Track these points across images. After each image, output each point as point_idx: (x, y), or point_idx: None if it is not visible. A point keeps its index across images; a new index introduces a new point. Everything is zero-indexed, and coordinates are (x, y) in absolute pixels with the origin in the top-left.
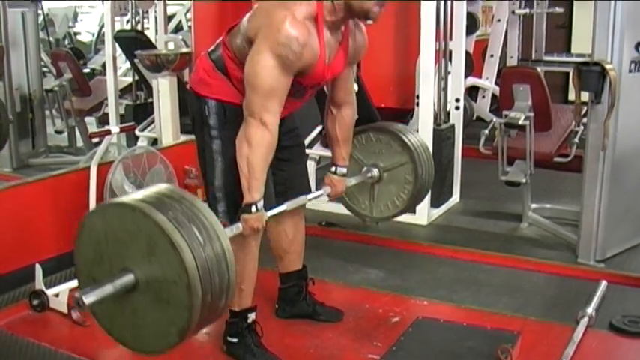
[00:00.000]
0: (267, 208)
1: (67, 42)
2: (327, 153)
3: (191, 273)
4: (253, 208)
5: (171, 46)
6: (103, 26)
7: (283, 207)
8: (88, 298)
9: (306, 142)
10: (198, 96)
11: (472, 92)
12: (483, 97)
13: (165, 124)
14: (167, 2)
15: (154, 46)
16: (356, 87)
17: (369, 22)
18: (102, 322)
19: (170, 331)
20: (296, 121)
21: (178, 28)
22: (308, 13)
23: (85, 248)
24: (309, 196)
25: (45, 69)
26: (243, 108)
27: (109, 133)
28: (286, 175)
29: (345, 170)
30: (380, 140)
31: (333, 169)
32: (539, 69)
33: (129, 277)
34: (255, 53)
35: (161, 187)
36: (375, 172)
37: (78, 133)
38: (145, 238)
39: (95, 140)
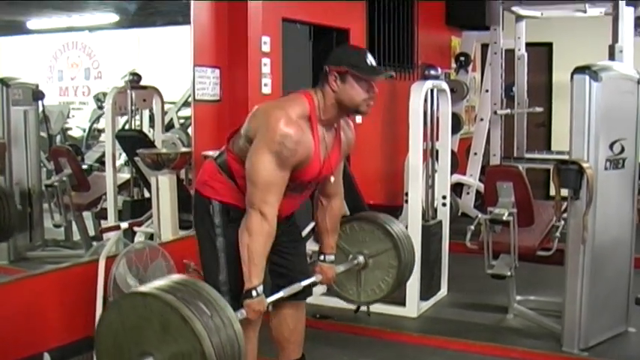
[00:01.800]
0: (266, 295)
1: (58, 138)
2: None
3: (204, 341)
4: (254, 293)
5: (171, 144)
6: (94, 122)
7: (280, 294)
8: None
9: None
10: (202, 197)
11: (457, 189)
12: (468, 193)
13: (165, 219)
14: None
15: (153, 145)
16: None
17: (359, 116)
18: None
19: None
20: (295, 218)
21: (170, 126)
22: (302, 113)
23: (104, 341)
24: (303, 283)
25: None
26: (246, 201)
27: (118, 227)
28: (287, 260)
29: (333, 257)
30: (363, 229)
31: (322, 257)
32: (521, 166)
33: None
34: (254, 151)
35: (169, 276)
36: (361, 258)
37: (75, 228)
38: (157, 318)
39: (92, 235)
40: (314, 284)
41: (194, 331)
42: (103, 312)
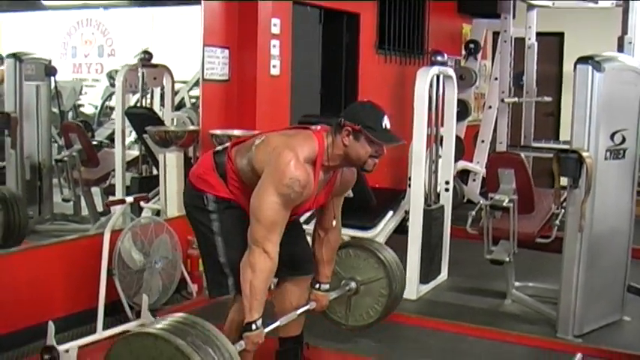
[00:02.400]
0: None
1: (70, 114)
2: None
3: None
4: (254, 326)
5: (181, 123)
6: (106, 99)
7: (277, 323)
8: None
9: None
10: (197, 190)
11: (463, 175)
12: (474, 180)
13: (171, 195)
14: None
15: (162, 123)
16: None
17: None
18: None
19: None
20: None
21: (181, 105)
22: (309, 157)
23: None
24: (298, 312)
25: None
26: (248, 236)
27: (123, 201)
28: (291, 248)
29: (327, 287)
30: (358, 255)
31: (317, 285)
32: (528, 154)
33: None
34: (262, 189)
35: (176, 315)
36: (353, 285)
37: (83, 202)
38: None
39: (100, 210)
40: (308, 311)
41: None
42: (113, 345)
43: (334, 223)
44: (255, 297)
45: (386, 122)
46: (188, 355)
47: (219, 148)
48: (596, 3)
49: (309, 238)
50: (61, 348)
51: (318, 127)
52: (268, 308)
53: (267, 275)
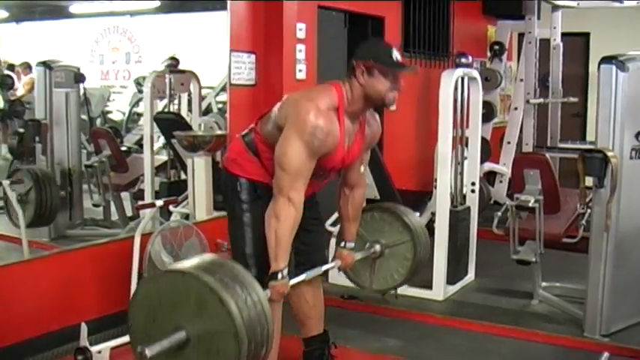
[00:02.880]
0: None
1: (99, 120)
2: None
3: (238, 323)
4: (279, 275)
5: (208, 128)
6: (134, 106)
7: (303, 276)
8: (151, 351)
9: (330, 221)
10: (230, 174)
11: (490, 177)
12: (500, 181)
13: (200, 200)
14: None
15: (190, 128)
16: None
17: (392, 107)
18: None
19: None
20: (317, 197)
21: (208, 110)
22: (330, 104)
23: (139, 311)
24: (323, 268)
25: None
26: (273, 185)
27: (153, 205)
28: (307, 245)
29: (352, 245)
30: (383, 219)
31: (343, 244)
32: (554, 155)
33: (181, 334)
34: (285, 139)
35: (205, 256)
36: (378, 247)
37: (113, 208)
38: (195, 297)
39: (129, 215)
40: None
41: (230, 313)
42: (140, 283)
43: (362, 169)
44: (280, 245)
45: (396, 54)
46: (217, 291)
47: (245, 130)
48: (622, 3)
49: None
50: (94, 349)
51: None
52: (287, 310)
53: (292, 223)
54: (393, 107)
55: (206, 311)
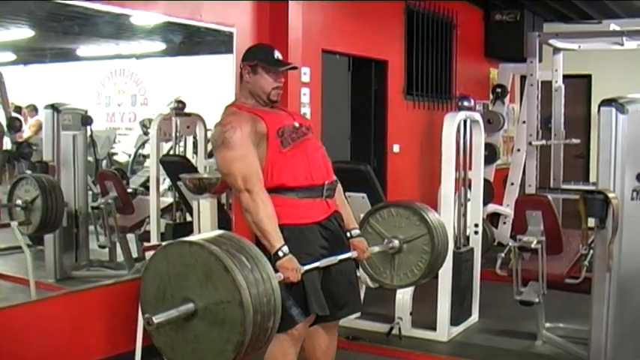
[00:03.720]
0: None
1: (104, 162)
2: None
3: (243, 291)
4: (280, 253)
5: (213, 170)
6: (139, 148)
7: (317, 264)
8: (158, 319)
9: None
10: None
11: (493, 219)
12: (504, 223)
13: None
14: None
15: (196, 170)
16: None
17: (273, 102)
18: (166, 353)
19: (227, 349)
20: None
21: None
22: (232, 112)
23: (150, 286)
24: (339, 257)
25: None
26: (234, 194)
27: (159, 247)
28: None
29: (358, 231)
30: (400, 214)
31: (348, 234)
32: (557, 196)
33: (189, 306)
34: (215, 156)
35: (213, 231)
36: (396, 242)
37: (119, 249)
38: (201, 267)
39: (135, 256)
40: (350, 259)
41: (235, 281)
42: (151, 257)
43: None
44: (266, 230)
45: (277, 54)
46: (221, 259)
47: None
48: (622, 45)
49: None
50: None
51: None
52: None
53: (265, 207)
54: (275, 99)
55: (212, 281)
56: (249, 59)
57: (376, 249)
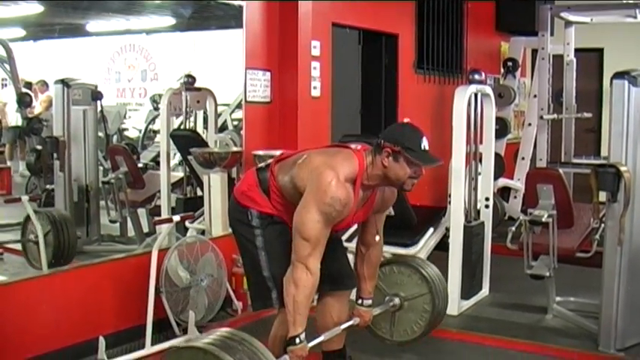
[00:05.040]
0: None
1: (115, 137)
2: None
3: None
4: (297, 340)
5: (224, 144)
6: (149, 123)
7: (321, 338)
8: None
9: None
10: (241, 206)
11: (504, 193)
12: (515, 197)
13: (216, 216)
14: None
15: (206, 145)
16: None
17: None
18: None
19: None
20: None
21: (224, 127)
22: (350, 176)
23: None
24: (342, 327)
25: None
26: (292, 253)
27: (170, 220)
28: (331, 264)
29: (370, 302)
30: (401, 272)
31: (360, 301)
32: (568, 171)
33: None
34: (304, 208)
35: (224, 330)
36: (397, 300)
37: (129, 224)
38: None
39: (146, 231)
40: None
41: None
42: (162, 357)
43: (377, 238)
44: (298, 311)
45: (425, 143)
46: None
47: (262, 165)
48: (636, 18)
49: (350, 256)
50: None
51: (359, 146)
52: (310, 323)
53: (310, 291)
54: (408, 189)
55: None
56: (393, 142)
57: (377, 310)
